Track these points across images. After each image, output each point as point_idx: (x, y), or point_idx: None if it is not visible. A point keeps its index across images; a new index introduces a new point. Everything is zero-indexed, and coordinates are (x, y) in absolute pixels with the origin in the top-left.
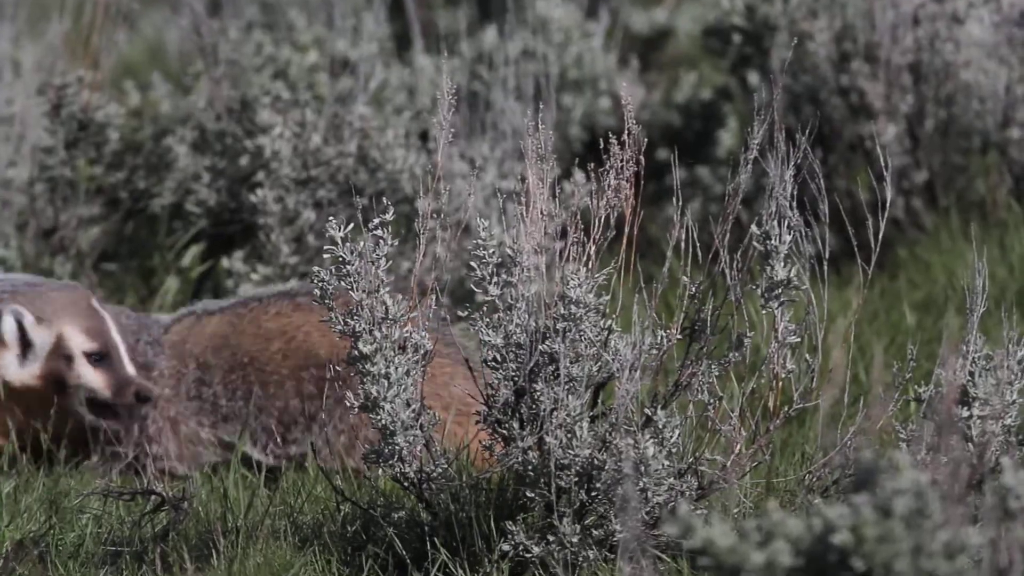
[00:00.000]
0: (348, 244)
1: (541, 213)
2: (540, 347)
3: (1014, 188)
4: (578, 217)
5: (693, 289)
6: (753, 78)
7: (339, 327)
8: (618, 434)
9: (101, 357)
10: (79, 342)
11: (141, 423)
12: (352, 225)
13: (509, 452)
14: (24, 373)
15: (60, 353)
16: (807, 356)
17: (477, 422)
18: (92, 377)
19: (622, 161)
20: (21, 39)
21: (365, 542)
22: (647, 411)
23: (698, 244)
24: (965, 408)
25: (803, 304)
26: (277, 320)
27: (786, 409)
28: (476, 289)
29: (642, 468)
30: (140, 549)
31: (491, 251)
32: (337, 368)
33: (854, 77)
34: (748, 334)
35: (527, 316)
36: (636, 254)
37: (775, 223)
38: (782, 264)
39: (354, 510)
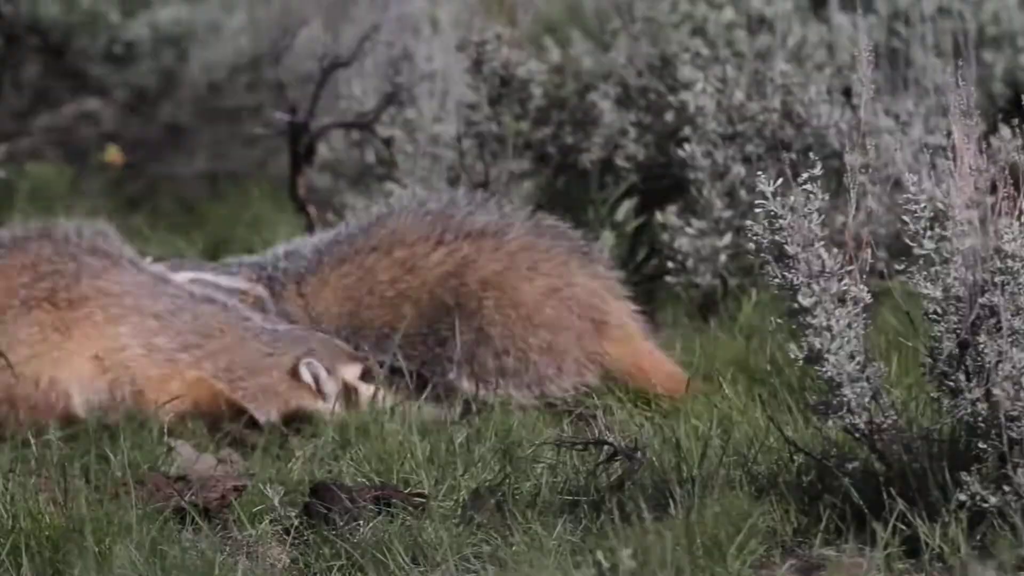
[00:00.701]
0: (779, 199)
1: (969, 168)
2: (979, 300)
3: None
4: (1007, 172)
5: None
6: None
7: (776, 280)
8: None
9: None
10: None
11: None
12: (781, 180)
13: (957, 404)
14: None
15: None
16: None
17: (923, 374)
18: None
19: None
20: None
21: (821, 492)
22: None
23: None
24: None
25: None
26: None
27: None
28: (911, 243)
29: None
30: (596, 499)
31: (922, 206)
32: None
33: None
34: None
35: (964, 270)
36: None
37: None
38: None
39: (807, 460)
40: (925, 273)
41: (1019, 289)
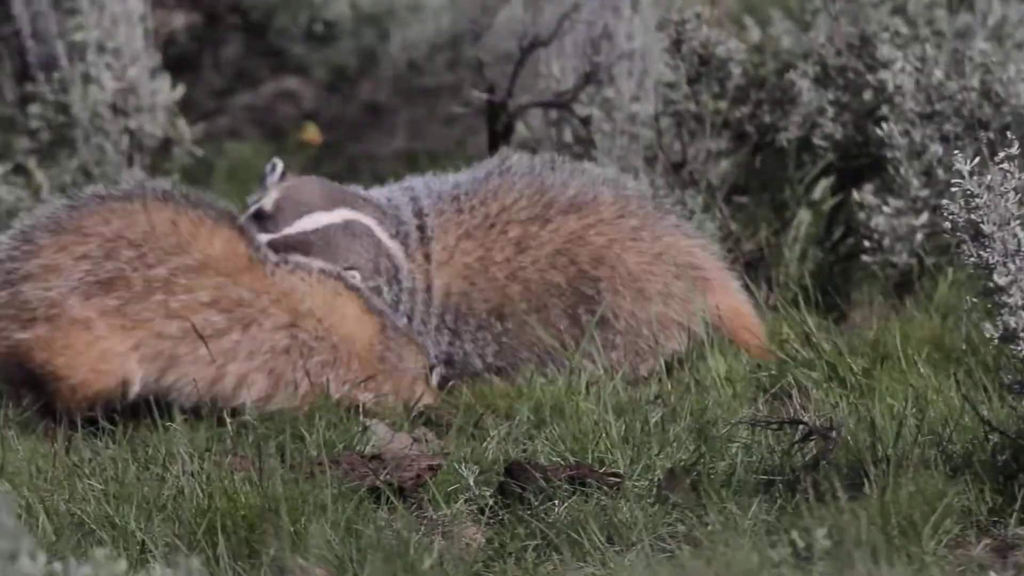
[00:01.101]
0: (975, 178)
1: None
2: None
3: None
4: None
5: None
6: None
7: (972, 259)
8: None
9: None
10: None
11: None
12: (978, 159)
13: None
14: None
15: None
16: None
17: None
18: None
19: None
20: None
21: (1016, 471)
22: None
23: None
24: None
25: None
26: None
27: None
28: None
29: None
30: (791, 478)
31: None
32: None
33: None
34: None
35: None
36: None
37: None
38: None
39: (1003, 439)
40: None
41: None
